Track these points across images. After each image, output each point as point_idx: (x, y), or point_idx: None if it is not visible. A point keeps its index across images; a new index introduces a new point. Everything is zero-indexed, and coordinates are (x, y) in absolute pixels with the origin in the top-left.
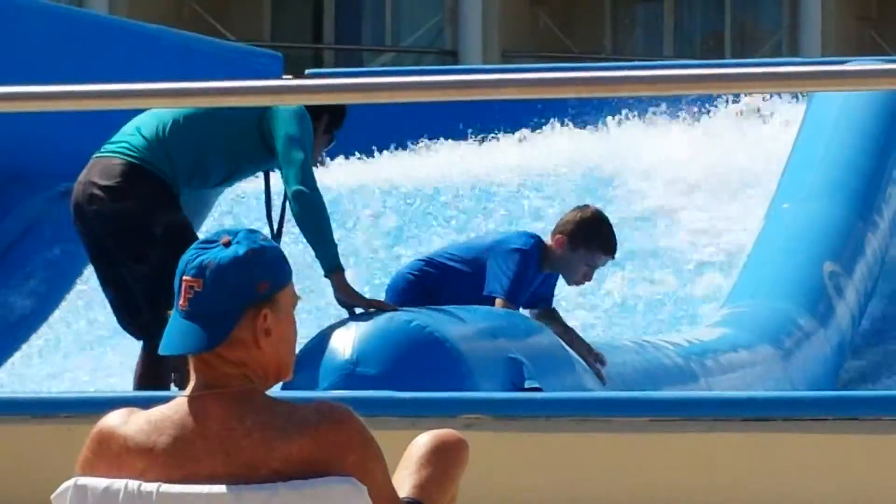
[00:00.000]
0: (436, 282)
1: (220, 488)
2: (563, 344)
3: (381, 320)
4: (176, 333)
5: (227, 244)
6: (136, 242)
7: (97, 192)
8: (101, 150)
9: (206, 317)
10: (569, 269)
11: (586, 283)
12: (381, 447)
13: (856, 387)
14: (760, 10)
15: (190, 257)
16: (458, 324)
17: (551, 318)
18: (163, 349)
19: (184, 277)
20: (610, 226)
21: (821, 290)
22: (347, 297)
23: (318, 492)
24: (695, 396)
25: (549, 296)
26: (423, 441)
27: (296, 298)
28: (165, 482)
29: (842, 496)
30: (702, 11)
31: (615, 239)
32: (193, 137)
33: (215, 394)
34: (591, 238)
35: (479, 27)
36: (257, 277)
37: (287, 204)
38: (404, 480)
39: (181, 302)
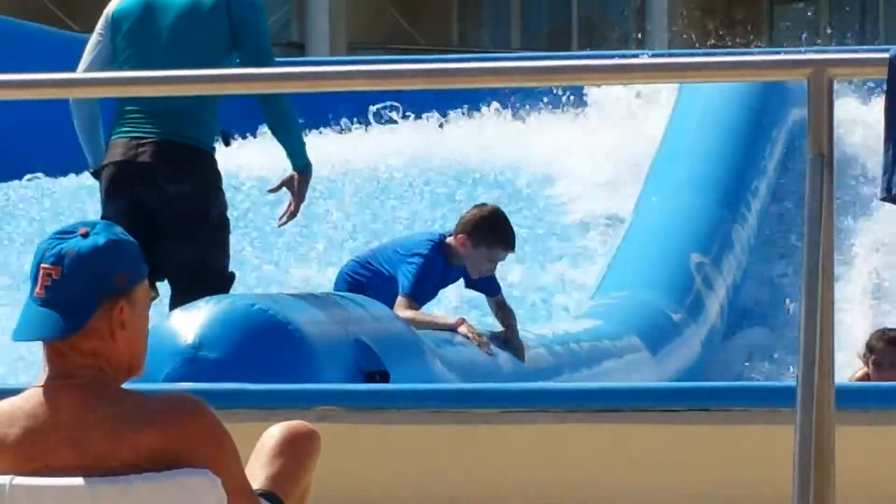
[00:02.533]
0: (368, 282)
1: (74, 481)
2: (415, 330)
3: (224, 304)
4: (31, 320)
5: (86, 235)
6: (194, 225)
7: (157, 173)
8: (144, 131)
9: (62, 305)
10: (472, 264)
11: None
12: (233, 439)
13: (716, 374)
14: (607, 2)
15: (48, 245)
16: (302, 308)
17: (498, 307)
18: (15, 335)
19: (41, 265)
20: (507, 221)
21: (689, 281)
22: (300, 194)
23: (171, 484)
24: (544, 388)
25: (490, 287)
26: (274, 433)
27: (152, 295)
28: (18, 474)
29: (692, 487)
30: (548, 4)
31: (513, 233)
32: (210, 99)
33: (67, 384)
34: (489, 234)
35: (326, 19)
36: (116, 269)
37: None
38: (257, 472)
39: (38, 289)
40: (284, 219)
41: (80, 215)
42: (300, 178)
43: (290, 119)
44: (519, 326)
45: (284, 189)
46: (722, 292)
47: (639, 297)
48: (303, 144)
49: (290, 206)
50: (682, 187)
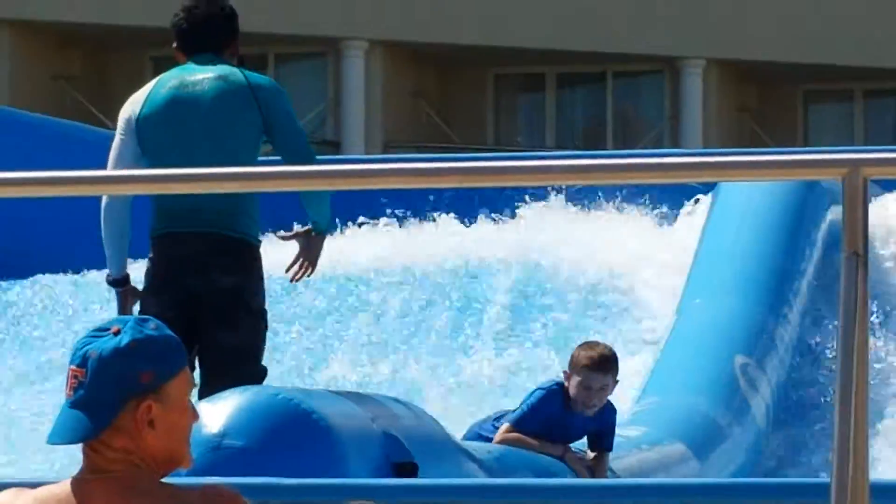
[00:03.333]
0: None
1: None
2: (445, 429)
3: (249, 393)
4: (61, 422)
5: (117, 332)
6: (238, 315)
7: (210, 265)
8: (194, 225)
9: (88, 406)
10: (576, 397)
11: (598, 404)
12: None
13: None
14: (642, 102)
15: (78, 346)
16: (329, 399)
17: (596, 458)
18: (49, 438)
19: (70, 366)
20: (596, 344)
21: (733, 383)
22: (316, 252)
23: None
24: (577, 484)
25: (602, 434)
26: None
27: (191, 385)
28: None
29: None
30: (583, 102)
31: (596, 353)
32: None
33: (101, 479)
34: (575, 362)
35: (361, 118)
36: (140, 368)
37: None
38: None
39: (67, 391)
40: (298, 274)
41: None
42: (316, 238)
43: None
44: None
45: None
46: (767, 393)
47: (683, 401)
48: (328, 205)
49: (301, 262)
50: (725, 288)
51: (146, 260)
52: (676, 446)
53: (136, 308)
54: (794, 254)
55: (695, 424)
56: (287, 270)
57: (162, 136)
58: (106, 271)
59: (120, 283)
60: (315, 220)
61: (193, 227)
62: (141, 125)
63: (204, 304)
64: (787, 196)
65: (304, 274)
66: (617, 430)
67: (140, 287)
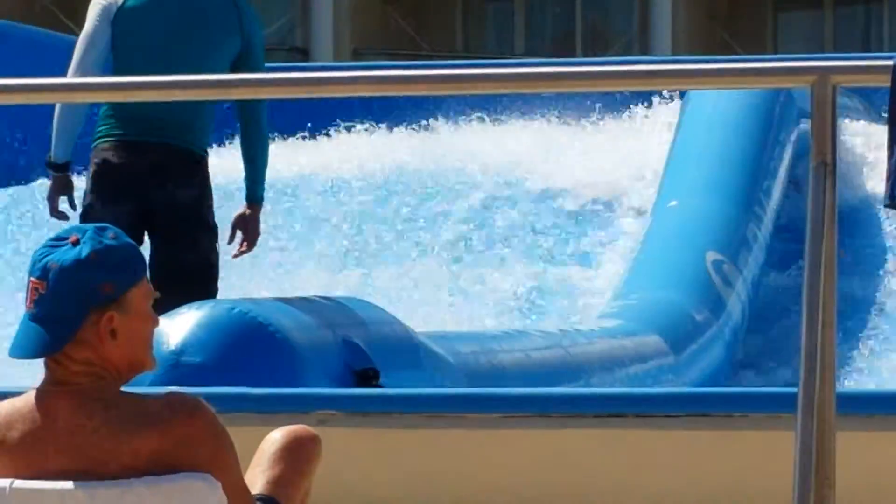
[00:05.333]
0: None
1: (73, 485)
2: (410, 331)
3: (205, 309)
4: (23, 336)
5: (76, 242)
6: (196, 230)
7: (169, 177)
8: (151, 135)
9: (49, 320)
10: None
11: None
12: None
13: (741, 375)
14: (611, 10)
15: (37, 257)
16: (286, 311)
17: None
18: (10, 352)
19: (30, 278)
20: None
21: (707, 280)
22: (255, 227)
23: (171, 488)
24: (544, 393)
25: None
26: (275, 437)
27: (151, 294)
28: (17, 478)
29: (692, 492)
30: (552, 11)
31: None
32: (210, 105)
33: (63, 390)
34: None
35: (329, 25)
36: (100, 279)
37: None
38: (257, 477)
39: (27, 304)
40: (239, 252)
41: None
42: (253, 212)
43: (266, 146)
44: (534, 326)
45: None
46: (742, 290)
47: (659, 296)
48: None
49: (243, 243)
50: (697, 190)
51: (92, 165)
52: (652, 338)
53: (73, 207)
54: (763, 155)
55: (670, 318)
56: (230, 241)
57: (139, 35)
58: None
59: (61, 168)
60: (254, 190)
61: (157, 138)
62: (120, 16)
63: (162, 218)
64: (754, 98)
65: (248, 250)
66: (593, 321)
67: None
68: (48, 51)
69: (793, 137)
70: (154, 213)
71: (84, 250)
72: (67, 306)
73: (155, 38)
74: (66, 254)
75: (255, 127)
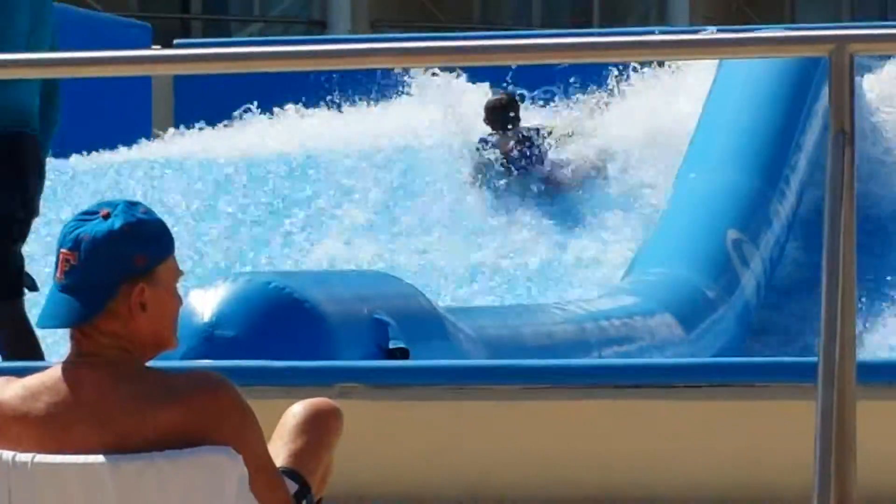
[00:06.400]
0: None
1: (96, 458)
2: (437, 307)
3: (241, 282)
4: (52, 307)
5: (107, 216)
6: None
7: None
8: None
9: (80, 290)
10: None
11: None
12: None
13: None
14: None
15: (68, 230)
16: (320, 285)
17: None
18: (39, 322)
19: (61, 250)
20: None
21: (724, 258)
22: None
23: (193, 461)
24: (566, 364)
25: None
26: (297, 410)
27: (178, 272)
28: (39, 450)
29: (713, 462)
30: None
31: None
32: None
33: (89, 362)
34: None
35: None
36: (133, 251)
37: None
38: (279, 450)
39: (58, 274)
40: None
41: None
42: None
43: (55, 123)
44: (550, 301)
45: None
46: (759, 269)
47: (673, 273)
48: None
49: None
50: (722, 163)
51: None
52: (665, 317)
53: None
54: (794, 128)
55: (684, 296)
56: None
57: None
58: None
59: None
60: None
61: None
62: None
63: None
64: (788, 69)
65: None
66: (607, 298)
67: None
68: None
69: (823, 108)
70: None
71: (117, 222)
72: (100, 276)
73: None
74: (99, 225)
75: (55, 104)
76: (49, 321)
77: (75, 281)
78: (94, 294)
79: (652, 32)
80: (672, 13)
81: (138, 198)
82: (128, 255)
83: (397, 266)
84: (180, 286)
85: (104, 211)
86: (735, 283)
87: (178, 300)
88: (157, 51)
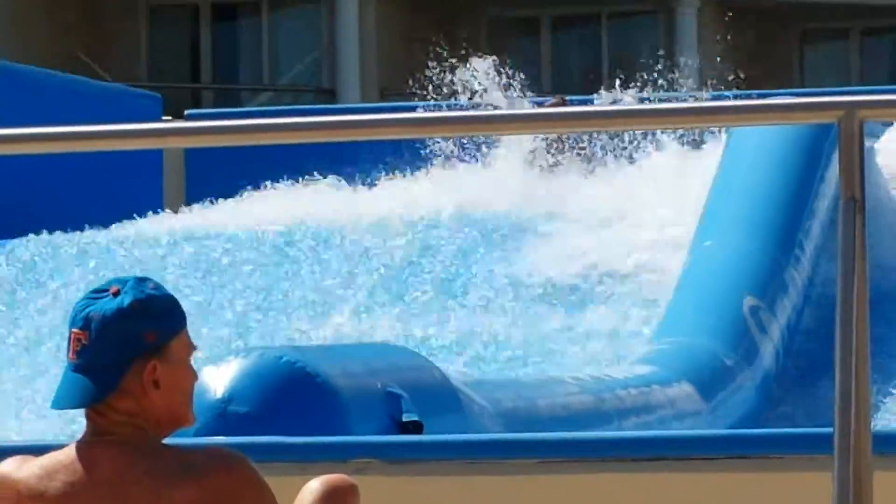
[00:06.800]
0: None
1: None
2: (450, 379)
3: (253, 357)
4: (66, 386)
5: (117, 293)
6: None
7: None
8: None
9: (92, 369)
10: None
11: None
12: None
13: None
14: (636, 45)
15: (78, 309)
16: (332, 359)
17: None
18: (54, 404)
19: (72, 330)
20: None
21: (743, 325)
22: None
23: None
24: (583, 437)
25: None
26: (314, 486)
27: (192, 347)
28: None
29: None
30: (578, 45)
31: None
32: None
33: (105, 441)
34: None
35: (356, 65)
36: (144, 328)
37: None
38: None
39: (70, 355)
40: None
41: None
42: None
43: None
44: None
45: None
46: (777, 336)
47: (691, 341)
48: None
49: None
50: (736, 229)
51: None
52: (683, 386)
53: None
54: (808, 194)
55: (702, 365)
56: None
57: None
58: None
59: None
60: None
61: None
62: None
63: None
64: (800, 134)
65: None
66: (624, 368)
67: None
68: (76, 96)
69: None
70: None
71: (126, 300)
72: (111, 355)
73: None
74: (108, 304)
75: None
76: (62, 402)
77: (87, 361)
78: (106, 373)
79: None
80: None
81: (148, 272)
82: (138, 332)
83: (410, 338)
84: (194, 360)
85: (114, 288)
86: (753, 350)
87: (193, 375)
88: (167, 123)
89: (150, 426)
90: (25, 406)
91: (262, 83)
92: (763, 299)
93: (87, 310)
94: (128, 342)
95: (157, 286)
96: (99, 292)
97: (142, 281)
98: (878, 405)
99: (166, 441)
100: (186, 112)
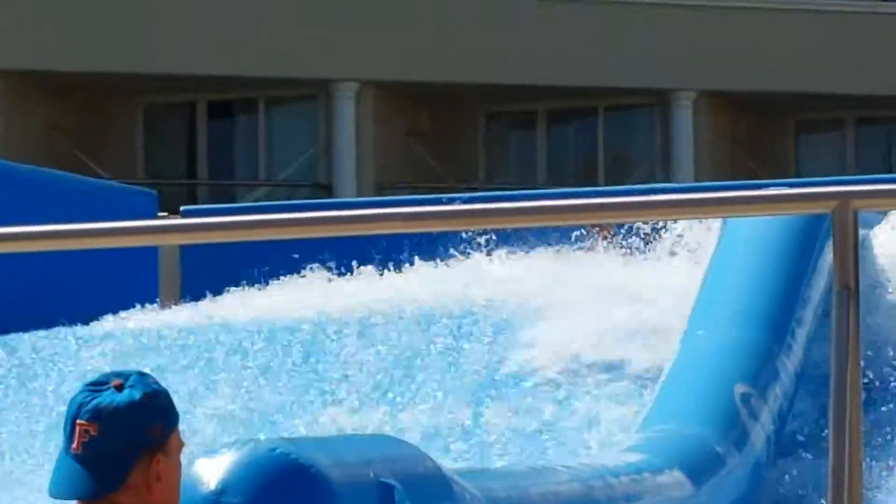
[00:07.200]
0: None
1: None
2: (443, 469)
3: (246, 449)
4: (67, 477)
5: (120, 387)
6: None
7: None
8: None
9: (100, 461)
10: None
11: None
12: None
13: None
14: (633, 137)
15: (83, 400)
16: (325, 450)
17: None
18: (52, 492)
19: (78, 421)
20: None
21: (734, 413)
22: None
23: None
24: None
25: None
26: None
27: (181, 442)
28: None
29: None
30: (574, 138)
31: None
32: None
33: None
34: None
35: (352, 159)
36: (152, 422)
37: None
38: None
39: (74, 445)
40: None
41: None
42: None
43: None
44: (558, 463)
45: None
46: (768, 423)
47: (682, 429)
48: None
49: None
50: (729, 318)
51: None
52: (674, 474)
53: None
54: (800, 283)
55: (693, 452)
56: None
57: None
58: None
59: None
60: None
61: None
62: None
63: None
64: (792, 224)
65: None
66: (615, 455)
67: None
68: (72, 194)
69: (828, 262)
70: None
71: (136, 393)
72: (122, 447)
73: None
74: (117, 396)
75: None
76: (65, 492)
77: (95, 452)
78: (115, 466)
79: (657, 190)
80: (677, 167)
81: (141, 365)
82: (147, 426)
83: (404, 429)
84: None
85: (116, 381)
86: (744, 437)
87: (180, 468)
88: (163, 220)
89: None
90: None
91: (259, 179)
92: (754, 387)
93: (93, 402)
94: (138, 435)
95: (156, 381)
96: (99, 384)
97: (143, 375)
98: (870, 490)
99: None
100: (182, 208)
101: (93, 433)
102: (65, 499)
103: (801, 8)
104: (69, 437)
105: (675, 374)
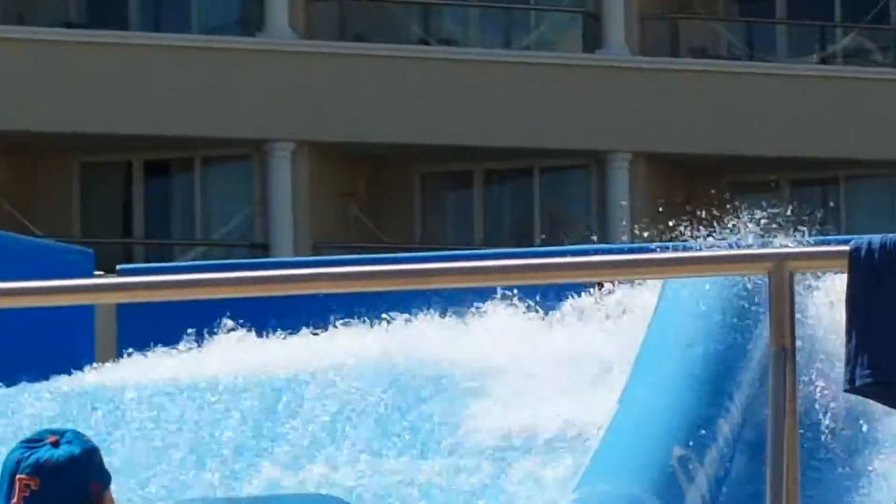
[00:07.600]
0: None
1: None
2: None
3: None
4: None
5: (56, 444)
6: None
7: None
8: None
9: None
10: None
11: None
12: None
13: None
14: (569, 197)
15: (21, 455)
16: None
17: None
18: None
19: (18, 476)
20: None
21: (670, 475)
22: None
23: None
24: None
25: None
26: None
27: (113, 501)
28: None
29: None
30: (510, 198)
31: None
32: None
33: None
34: None
35: (289, 219)
36: (91, 478)
37: None
38: None
39: (14, 501)
40: None
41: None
42: None
43: None
44: None
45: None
46: (704, 486)
47: (618, 490)
48: None
49: None
50: (667, 380)
51: None
52: None
53: None
54: (740, 345)
55: None
56: None
57: None
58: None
59: None
60: None
61: None
62: None
63: None
64: (731, 288)
65: None
66: None
67: None
68: (5, 252)
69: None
70: None
71: (74, 449)
72: (63, 502)
73: None
74: (56, 452)
75: None
76: None
77: None
78: None
79: (593, 252)
80: (612, 229)
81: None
82: (87, 482)
83: (345, 489)
84: None
85: (51, 438)
86: (680, 500)
87: None
88: (99, 279)
89: None
90: None
91: (195, 238)
92: (692, 449)
93: (33, 457)
94: (78, 491)
95: (89, 439)
96: (34, 441)
97: (78, 433)
98: None
99: None
100: (118, 267)
101: (34, 487)
102: None
103: (725, 71)
104: (7, 494)
105: (612, 433)
